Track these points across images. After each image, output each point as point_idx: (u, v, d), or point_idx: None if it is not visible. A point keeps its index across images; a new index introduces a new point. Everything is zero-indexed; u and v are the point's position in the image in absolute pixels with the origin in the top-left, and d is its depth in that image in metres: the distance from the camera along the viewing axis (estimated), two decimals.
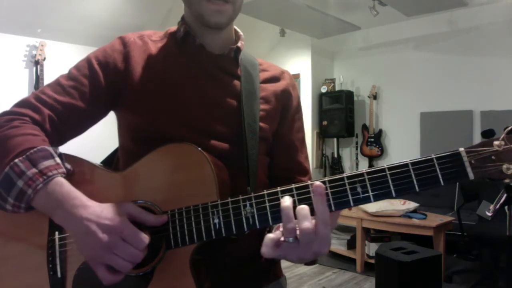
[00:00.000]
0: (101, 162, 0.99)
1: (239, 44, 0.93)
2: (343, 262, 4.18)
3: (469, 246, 3.78)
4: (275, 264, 0.95)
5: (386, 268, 2.94)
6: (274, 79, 0.97)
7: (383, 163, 5.12)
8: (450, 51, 4.96)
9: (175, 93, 0.85)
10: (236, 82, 0.90)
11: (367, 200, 0.66)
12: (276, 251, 0.65)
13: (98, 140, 2.55)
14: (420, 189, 0.65)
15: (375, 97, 5.53)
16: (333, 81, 5.85)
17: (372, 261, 3.71)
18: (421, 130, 5.18)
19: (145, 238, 0.69)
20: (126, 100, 0.86)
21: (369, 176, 0.66)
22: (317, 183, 0.65)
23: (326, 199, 0.65)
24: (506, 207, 2.81)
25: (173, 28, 0.94)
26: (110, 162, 0.98)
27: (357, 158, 5.67)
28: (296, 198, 0.67)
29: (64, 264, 0.75)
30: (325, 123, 5.65)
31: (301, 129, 1.02)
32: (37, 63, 4.12)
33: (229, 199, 0.71)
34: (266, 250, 0.65)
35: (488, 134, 0.66)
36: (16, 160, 0.70)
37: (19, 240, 0.79)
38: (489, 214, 3.13)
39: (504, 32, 4.54)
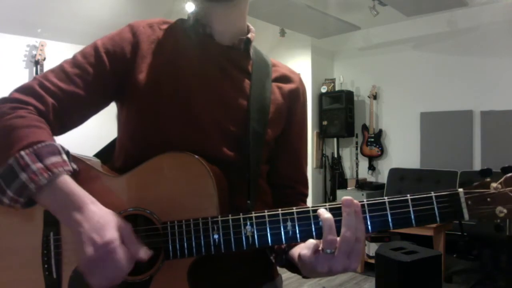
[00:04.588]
0: (95, 155, 0.95)
1: (249, 35, 0.88)
2: None
3: (469, 246, 3.78)
4: (270, 265, 0.94)
5: (386, 268, 2.93)
6: (286, 79, 0.93)
7: (383, 163, 5.08)
8: (450, 51, 4.95)
9: (182, 89, 0.81)
10: (247, 81, 0.86)
11: (365, 230, 0.68)
12: (313, 256, 0.68)
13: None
14: (416, 225, 0.67)
15: (375, 97, 5.53)
16: (333, 81, 5.85)
17: (372, 261, 3.70)
18: (421, 130, 5.18)
19: (126, 268, 0.65)
20: (130, 93, 0.83)
21: (370, 208, 0.68)
22: (355, 201, 0.68)
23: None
24: None
25: (184, 18, 0.91)
26: (106, 155, 0.93)
27: (357, 158, 5.67)
28: (296, 222, 0.69)
29: (59, 264, 0.74)
30: (325, 123, 5.65)
31: (306, 136, 0.99)
32: (37, 63, 4.12)
33: (230, 216, 0.70)
34: (307, 252, 0.68)
35: (485, 173, 0.68)
36: (22, 152, 0.67)
37: (14, 234, 0.77)
38: None
39: (504, 32, 4.54)
